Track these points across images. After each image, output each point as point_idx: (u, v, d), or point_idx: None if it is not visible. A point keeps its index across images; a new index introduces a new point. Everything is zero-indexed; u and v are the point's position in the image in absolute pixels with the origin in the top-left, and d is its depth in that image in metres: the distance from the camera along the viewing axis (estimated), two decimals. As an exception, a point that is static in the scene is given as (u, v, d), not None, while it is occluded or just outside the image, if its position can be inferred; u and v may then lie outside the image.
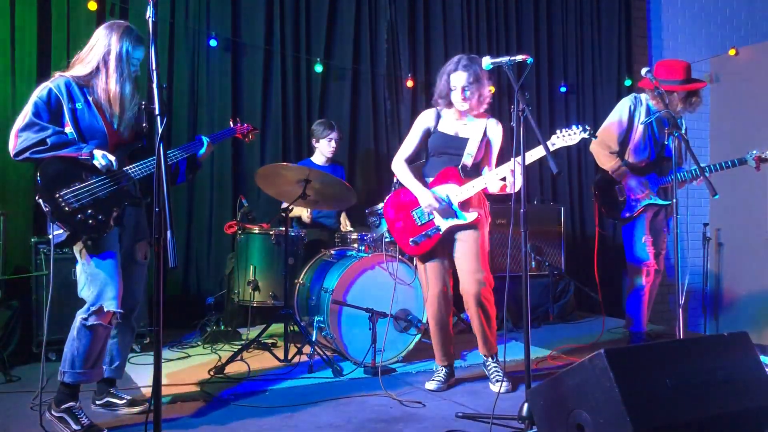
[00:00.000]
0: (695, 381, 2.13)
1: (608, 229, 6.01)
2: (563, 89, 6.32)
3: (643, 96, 4.10)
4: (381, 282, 3.77)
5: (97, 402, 2.94)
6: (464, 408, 2.97)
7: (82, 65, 2.76)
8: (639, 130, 4.03)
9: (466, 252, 3.31)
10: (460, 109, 3.35)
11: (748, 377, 2.23)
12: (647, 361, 2.14)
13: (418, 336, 3.85)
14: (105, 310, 2.66)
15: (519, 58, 2.82)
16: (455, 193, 3.31)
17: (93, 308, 2.66)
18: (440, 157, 3.40)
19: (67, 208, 2.61)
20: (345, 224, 4.87)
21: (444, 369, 3.41)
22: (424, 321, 3.83)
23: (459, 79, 3.27)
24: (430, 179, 3.40)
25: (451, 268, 3.41)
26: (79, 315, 2.69)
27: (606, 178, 4.13)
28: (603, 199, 4.15)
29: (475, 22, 5.92)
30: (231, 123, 3.36)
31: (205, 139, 3.00)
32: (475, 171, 3.38)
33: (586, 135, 3.08)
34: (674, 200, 3.15)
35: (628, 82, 6.46)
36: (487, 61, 2.92)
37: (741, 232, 6.55)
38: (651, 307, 4.22)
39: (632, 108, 4.06)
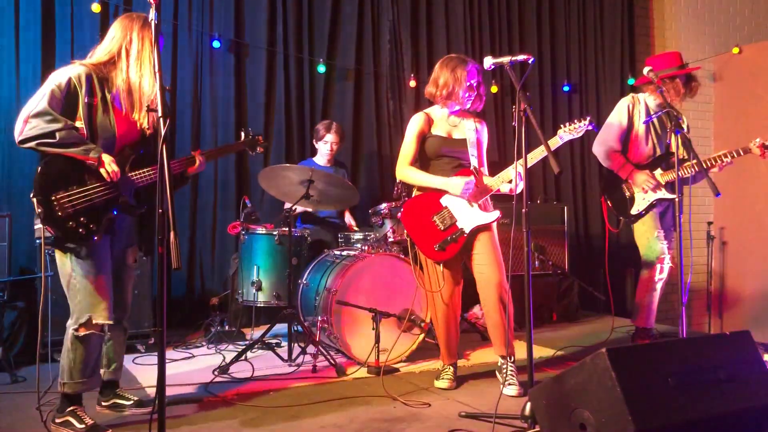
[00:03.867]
0: (697, 380, 2.13)
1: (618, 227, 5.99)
2: (566, 88, 6.32)
3: (641, 95, 4.12)
4: (384, 282, 3.79)
5: (103, 403, 2.94)
6: (467, 407, 2.98)
7: (101, 54, 2.68)
8: (641, 128, 4.04)
9: (489, 251, 3.28)
10: (464, 107, 3.35)
11: (750, 376, 2.23)
12: (649, 360, 2.14)
13: (422, 336, 3.86)
14: (94, 322, 2.60)
15: (521, 57, 2.82)
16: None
17: (82, 320, 2.59)
18: (440, 159, 3.37)
19: (60, 213, 2.53)
20: (350, 223, 4.88)
21: (450, 367, 3.42)
22: (428, 321, 3.84)
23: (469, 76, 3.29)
24: None
25: (464, 265, 3.40)
26: (70, 327, 2.63)
27: (612, 177, 4.13)
28: (611, 198, 4.15)
29: (477, 21, 5.94)
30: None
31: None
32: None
33: (590, 127, 3.17)
34: (677, 197, 3.18)
35: (631, 81, 6.45)
36: (488, 61, 2.92)
37: (745, 230, 6.54)
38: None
39: (630, 107, 4.08)
